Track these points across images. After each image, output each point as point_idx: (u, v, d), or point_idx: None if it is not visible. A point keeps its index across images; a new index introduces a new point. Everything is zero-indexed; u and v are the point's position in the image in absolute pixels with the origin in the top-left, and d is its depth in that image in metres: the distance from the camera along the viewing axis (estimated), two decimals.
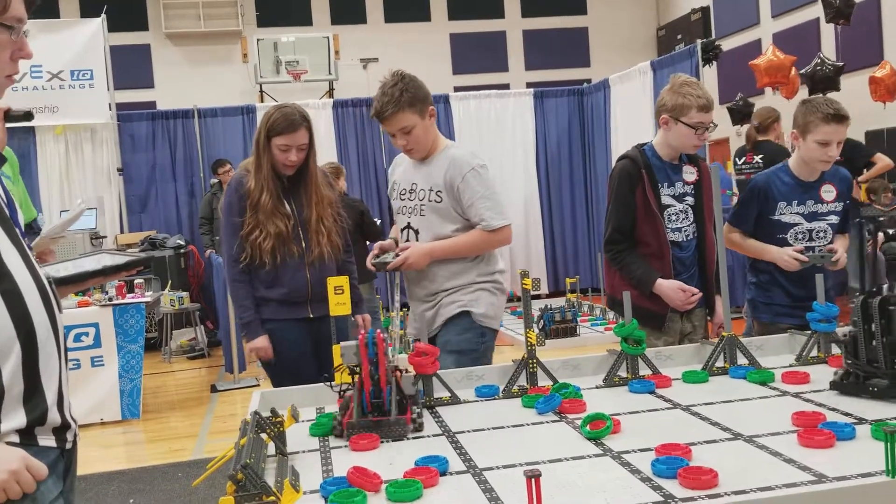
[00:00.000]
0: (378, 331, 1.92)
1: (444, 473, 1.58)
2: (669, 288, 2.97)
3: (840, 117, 3.05)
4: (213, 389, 6.77)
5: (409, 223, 3.01)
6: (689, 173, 3.08)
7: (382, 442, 1.81)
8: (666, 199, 3.05)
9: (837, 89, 8.21)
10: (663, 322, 3.05)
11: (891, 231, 2.30)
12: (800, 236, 3.17)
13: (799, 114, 3.15)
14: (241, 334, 7.19)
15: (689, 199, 3.08)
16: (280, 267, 3.12)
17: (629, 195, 3.04)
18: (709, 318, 3.24)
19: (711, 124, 3.06)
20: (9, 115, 2.63)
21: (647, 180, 3.01)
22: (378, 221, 6.70)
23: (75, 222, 2.61)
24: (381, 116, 2.89)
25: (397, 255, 2.90)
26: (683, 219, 3.07)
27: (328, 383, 2.03)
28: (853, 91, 9.04)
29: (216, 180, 9.09)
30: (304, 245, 3.15)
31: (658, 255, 3.03)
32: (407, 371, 2.02)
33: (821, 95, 3.24)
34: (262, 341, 3.15)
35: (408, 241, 3.00)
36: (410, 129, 2.89)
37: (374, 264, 2.96)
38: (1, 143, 2.56)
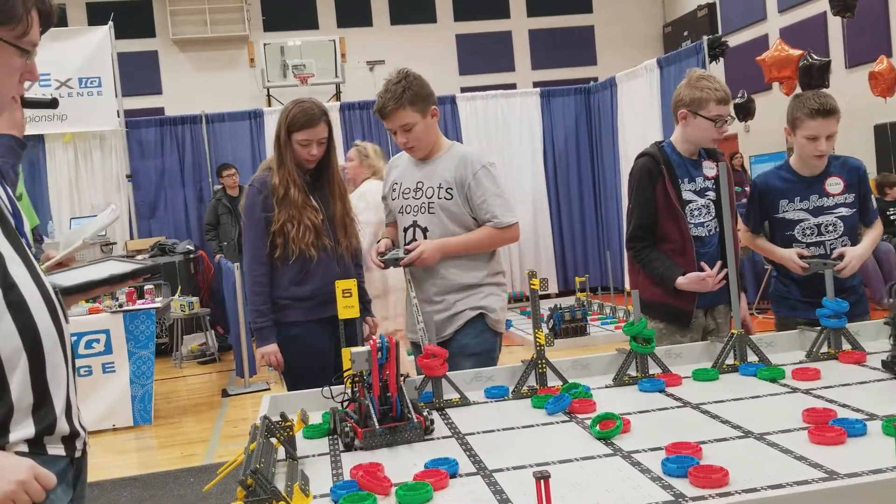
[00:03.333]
0: (390, 335, 1.90)
1: (454, 475, 1.58)
2: (691, 281, 2.95)
3: (826, 111, 3.00)
4: (224, 394, 6.79)
5: (414, 221, 2.97)
6: (709, 168, 3.07)
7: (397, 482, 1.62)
8: (687, 195, 3.04)
9: (826, 85, 8.16)
10: (690, 319, 3.03)
11: None
12: (808, 232, 3.15)
13: (789, 109, 3.13)
14: (251, 339, 7.22)
15: (711, 195, 3.06)
16: (313, 262, 3.09)
17: (650, 191, 3.03)
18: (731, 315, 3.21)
19: (729, 117, 3.05)
20: (27, 101, 2.60)
21: (667, 176, 3.01)
22: None
23: (108, 227, 2.66)
24: (383, 113, 2.91)
25: (407, 252, 2.87)
26: (705, 214, 3.05)
27: (329, 390, 2.05)
28: (860, 85, 9.01)
29: (220, 186, 9.13)
30: (333, 239, 3.15)
31: (681, 251, 3.01)
32: (408, 376, 2.02)
33: (811, 90, 3.19)
34: (273, 347, 3.12)
35: (414, 239, 2.96)
36: (411, 126, 2.90)
37: (384, 261, 2.91)
38: (20, 128, 2.54)
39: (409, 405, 1.87)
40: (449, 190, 2.92)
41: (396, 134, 2.95)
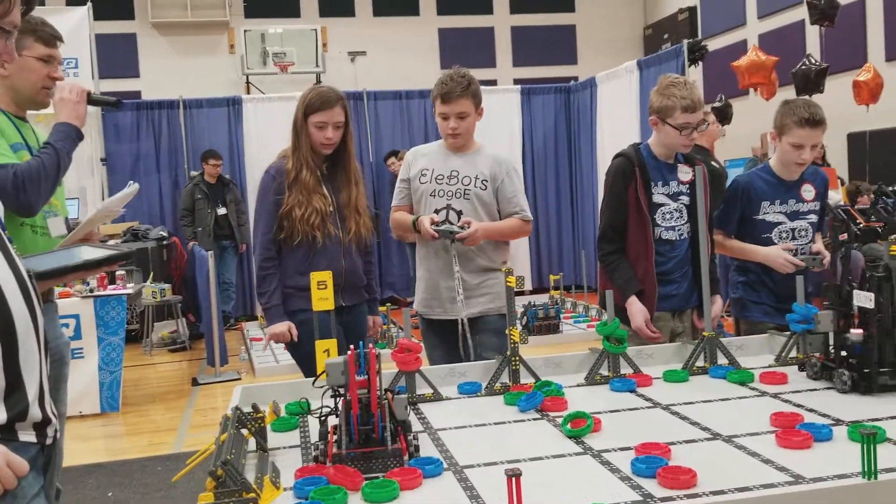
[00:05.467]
0: (370, 346, 1.66)
1: (430, 475, 1.58)
2: (638, 311, 3.00)
3: (814, 122, 3.08)
4: (194, 383, 6.74)
5: (448, 204, 3.20)
6: (685, 173, 3.10)
7: (369, 477, 1.54)
8: (660, 198, 3.07)
9: (821, 91, 8.27)
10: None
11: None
12: (783, 235, 3.20)
13: (778, 114, 3.20)
14: (223, 328, 7.18)
15: (684, 199, 3.10)
16: (318, 251, 3.13)
17: (623, 192, 3.07)
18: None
19: (704, 123, 3.08)
20: (93, 99, 2.69)
21: (639, 179, 3.04)
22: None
23: (126, 201, 2.78)
24: (448, 97, 3.16)
25: (461, 227, 3.09)
26: (677, 218, 3.09)
27: (314, 383, 1.90)
28: (836, 93, 9.10)
29: (198, 172, 9.03)
30: (340, 229, 3.19)
31: (644, 256, 3.05)
32: (399, 393, 1.76)
33: (802, 97, 3.27)
34: (281, 327, 3.15)
35: (447, 220, 3.17)
36: (466, 116, 3.19)
37: (439, 231, 3.08)
38: (81, 121, 2.60)
39: (391, 427, 1.64)
40: (484, 182, 3.22)
41: (448, 119, 3.18)
